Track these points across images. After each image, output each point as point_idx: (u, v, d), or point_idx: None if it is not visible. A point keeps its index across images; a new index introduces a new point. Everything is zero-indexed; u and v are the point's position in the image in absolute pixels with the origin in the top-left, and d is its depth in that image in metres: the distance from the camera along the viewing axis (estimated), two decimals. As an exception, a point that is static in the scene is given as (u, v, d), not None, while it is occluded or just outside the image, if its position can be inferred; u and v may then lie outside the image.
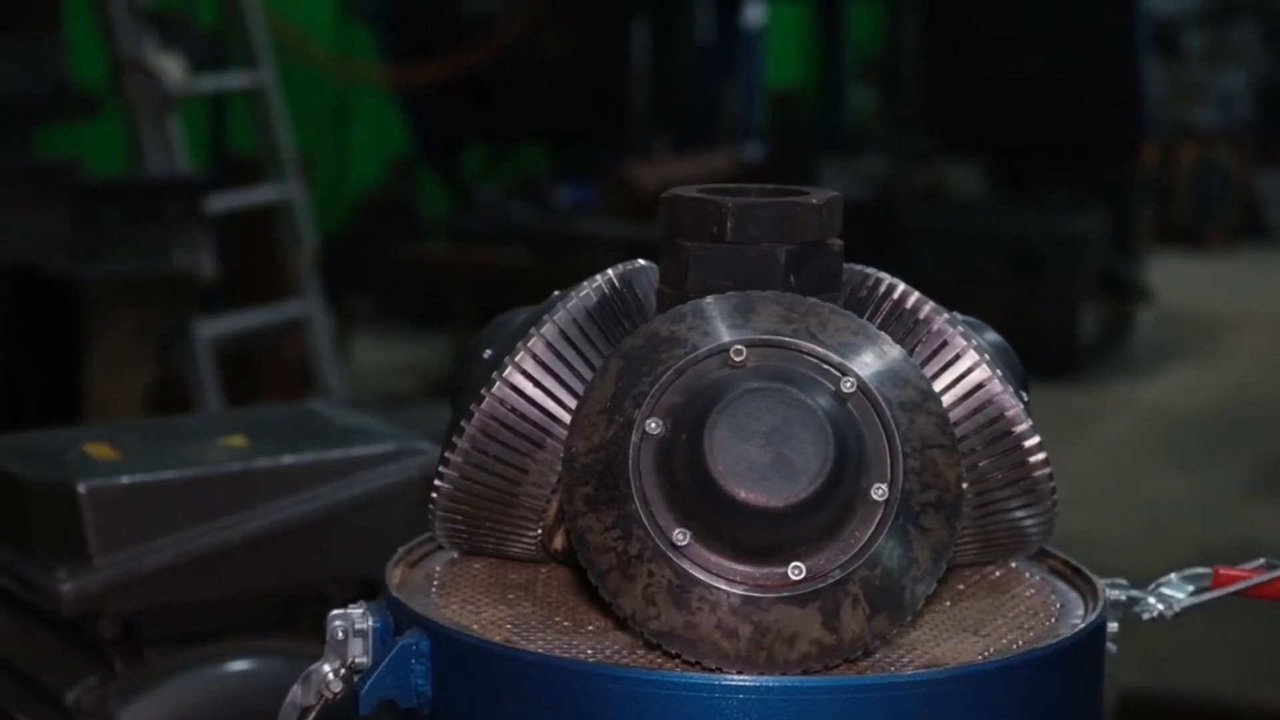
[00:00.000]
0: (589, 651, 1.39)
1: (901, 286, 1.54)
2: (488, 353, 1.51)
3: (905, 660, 1.39)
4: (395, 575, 1.54)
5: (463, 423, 1.46)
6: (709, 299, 1.44)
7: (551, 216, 9.28)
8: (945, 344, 1.51)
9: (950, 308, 1.54)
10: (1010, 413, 1.50)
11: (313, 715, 1.46)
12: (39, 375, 4.83)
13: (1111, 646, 1.56)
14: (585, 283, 1.51)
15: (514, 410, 1.46)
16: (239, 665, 2.07)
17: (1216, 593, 1.60)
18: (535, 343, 1.47)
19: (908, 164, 9.71)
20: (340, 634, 1.46)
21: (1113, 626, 1.56)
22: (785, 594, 1.33)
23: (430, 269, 9.04)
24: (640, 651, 1.39)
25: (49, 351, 4.81)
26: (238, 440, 2.16)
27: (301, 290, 6.44)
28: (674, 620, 1.33)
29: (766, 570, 1.33)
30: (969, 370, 1.50)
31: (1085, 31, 9.66)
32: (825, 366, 1.38)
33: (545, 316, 1.48)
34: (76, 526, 2.01)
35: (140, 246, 5.65)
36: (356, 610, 1.47)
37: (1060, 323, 8.97)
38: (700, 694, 1.32)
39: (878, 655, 1.38)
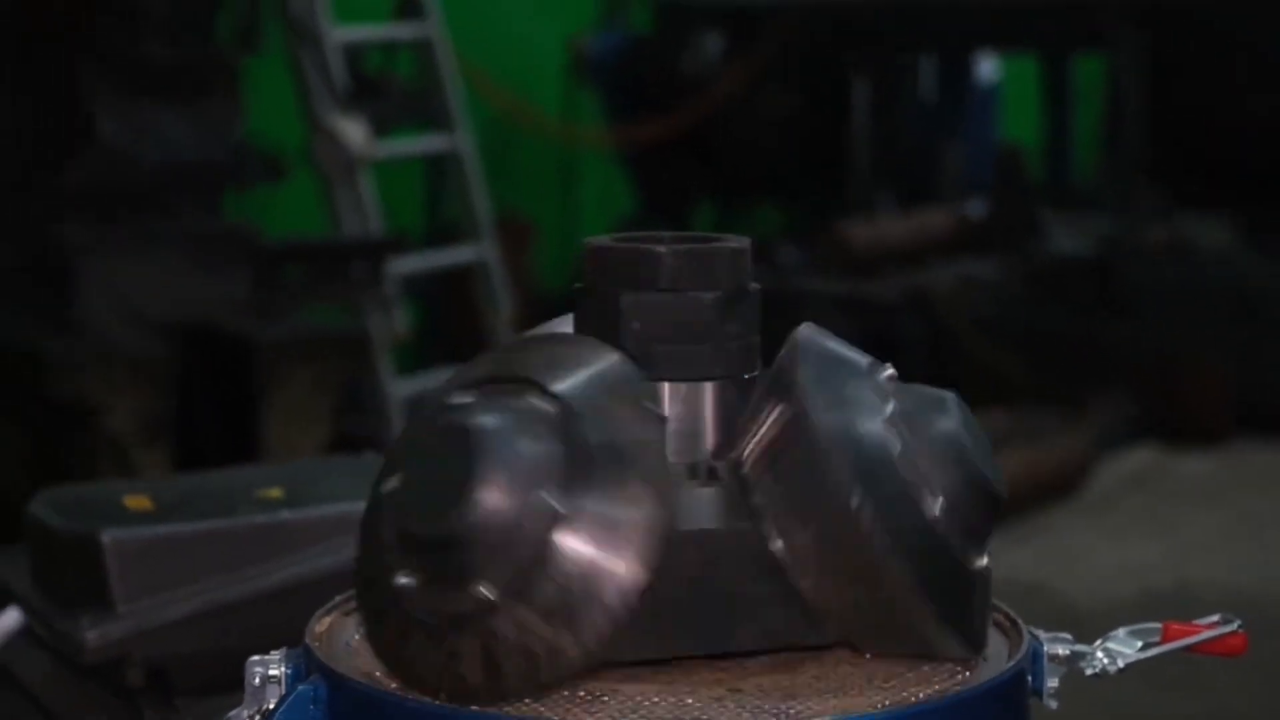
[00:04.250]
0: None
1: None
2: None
3: (794, 712, 1.36)
4: (322, 623, 1.55)
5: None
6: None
7: (769, 274, 9.29)
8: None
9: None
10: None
11: (229, 761, 1.48)
12: (219, 431, 4.96)
13: (1051, 703, 1.52)
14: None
15: None
16: (267, 714, 2.09)
17: (1165, 647, 1.54)
18: None
19: (1135, 219, 9.54)
20: (256, 680, 1.49)
21: (1052, 682, 1.52)
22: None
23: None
24: (528, 700, 1.38)
25: (228, 408, 4.94)
26: (274, 492, 2.20)
27: (498, 350, 6.51)
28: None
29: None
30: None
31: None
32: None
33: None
34: (101, 575, 2.06)
35: (331, 306, 5.79)
36: (274, 656, 1.49)
37: (1290, 378, 8.74)
38: (568, 742, 1.32)
39: (763, 705, 1.36)
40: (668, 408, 1.45)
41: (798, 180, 10.28)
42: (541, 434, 1.34)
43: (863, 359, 1.47)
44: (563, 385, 1.37)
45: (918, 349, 8.72)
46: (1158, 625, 1.56)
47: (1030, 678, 1.49)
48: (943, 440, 1.43)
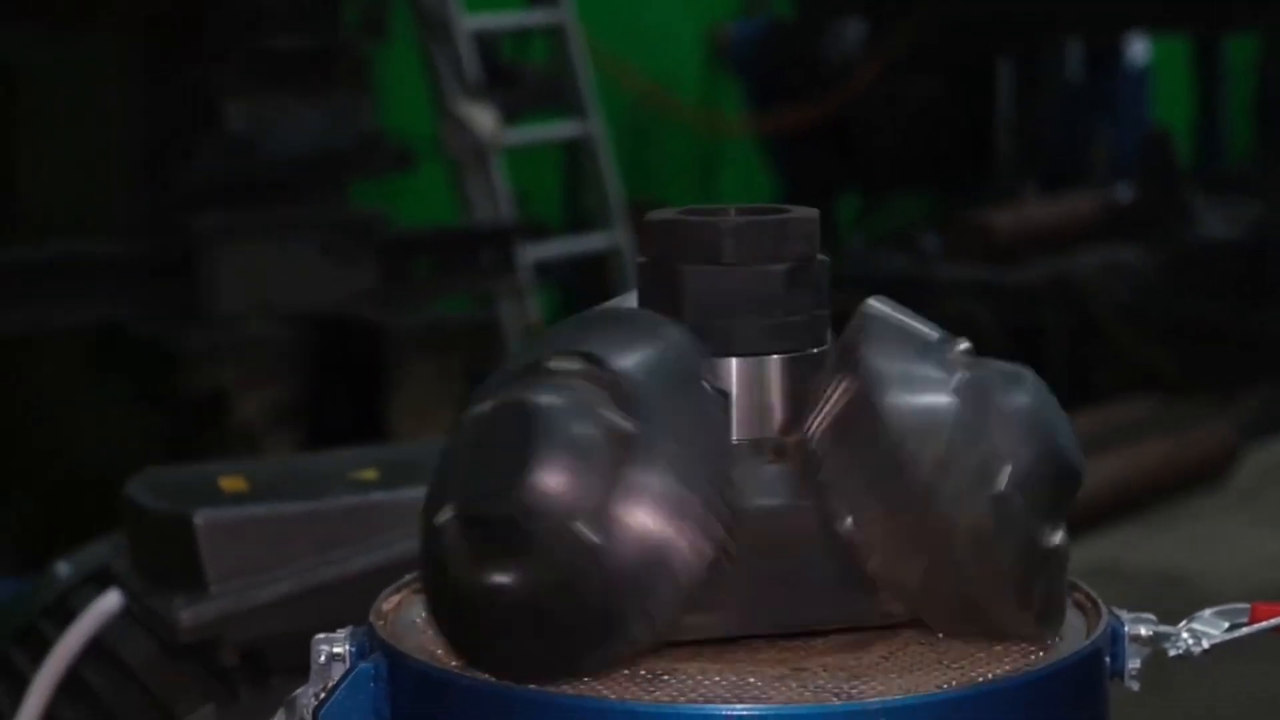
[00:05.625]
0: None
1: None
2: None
3: (856, 691, 1.33)
4: (390, 601, 1.54)
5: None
6: None
7: (912, 262, 9.21)
8: None
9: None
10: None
11: (294, 739, 1.48)
12: (350, 420, 4.99)
13: (1133, 684, 1.48)
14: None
15: None
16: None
17: (1252, 628, 1.50)
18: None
19: (1286, 202, 9.37)
20: (322, 658, 1.47)
21: (1134, 664, 1.48)
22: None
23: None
24: (586, 680, 1.36)
25: (359, 397, 4.97)
26: (369, 474, 2.20)
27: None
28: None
29: None
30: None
31: None
32: None
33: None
34: (193, 556, 2.07)
35: (463, 295, 5.80)
36: (339, 634, 1.48)
37: None
38: (627, 721, 1.30)
39: (826, 685, 1.33)
40: (734, 384, 1.42)
41: (941, 166, 10.19)
42: (600, 410, 1.32)
43: (934, 332, 1.43)
44: (620, 360, 1.34)
45: (1062, 336, 8.61)
46: (1245, 605, 1.51)
47: (1110, 658, 1.45)
48: (1016, 414, 1.38)
